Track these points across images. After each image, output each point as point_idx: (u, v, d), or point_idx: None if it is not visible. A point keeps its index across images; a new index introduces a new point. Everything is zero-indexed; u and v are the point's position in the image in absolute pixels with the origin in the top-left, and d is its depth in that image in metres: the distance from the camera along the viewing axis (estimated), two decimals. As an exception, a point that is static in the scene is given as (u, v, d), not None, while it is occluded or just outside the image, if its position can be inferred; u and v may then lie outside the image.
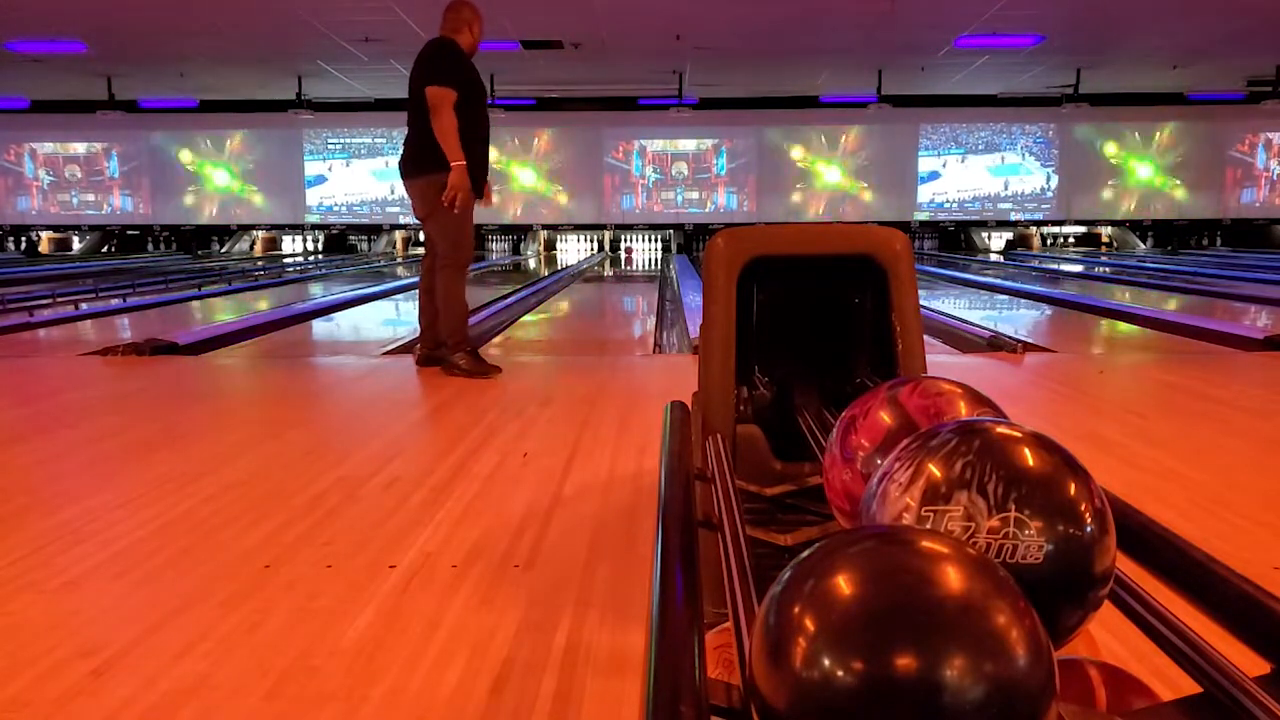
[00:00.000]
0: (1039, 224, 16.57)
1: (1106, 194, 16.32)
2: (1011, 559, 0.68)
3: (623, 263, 15.29)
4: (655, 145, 16.29)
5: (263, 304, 8.27)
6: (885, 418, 0.98)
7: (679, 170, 16.38)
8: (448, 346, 3.96)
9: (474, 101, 3.90)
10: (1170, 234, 16.44)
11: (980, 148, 16.29)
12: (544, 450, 2.70)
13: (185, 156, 16.52)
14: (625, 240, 16.78)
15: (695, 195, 16.41)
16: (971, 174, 16.36)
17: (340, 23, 9.69)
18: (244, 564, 1.82)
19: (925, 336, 1.63)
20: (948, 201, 16.42)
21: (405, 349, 5.03)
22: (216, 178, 16.62)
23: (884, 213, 16.04)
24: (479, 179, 3.95)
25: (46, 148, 16.55)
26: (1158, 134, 16.04)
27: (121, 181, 16.64)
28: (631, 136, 16.20)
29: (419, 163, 3.89)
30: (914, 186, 16.37)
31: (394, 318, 7.64)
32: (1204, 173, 16.14)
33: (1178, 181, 16.24)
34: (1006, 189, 16.38)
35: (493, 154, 4.08)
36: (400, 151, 4.07)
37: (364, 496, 2.27)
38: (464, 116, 3.80)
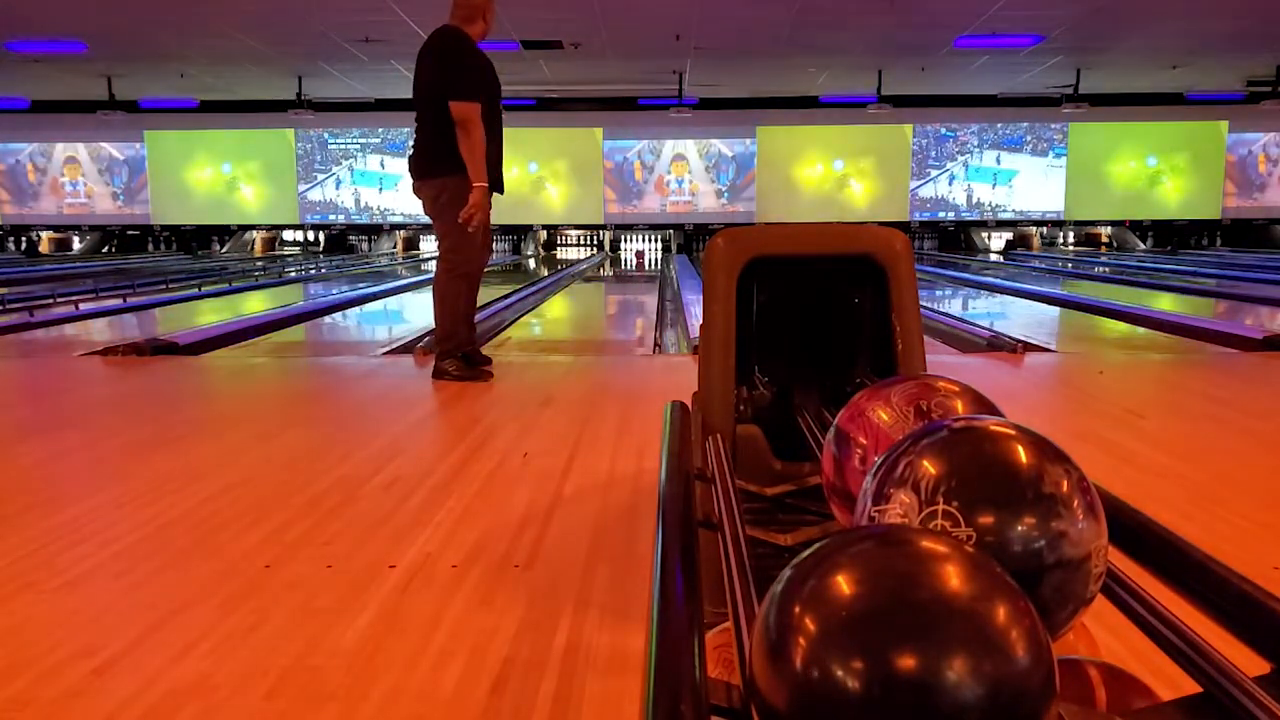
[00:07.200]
0: (1038, 224, 16.56)
1: (1106, 194, 16.31)
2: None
3: (633, 265, 15.17)
4: (656, 145, 16.28)
5: (263, 304, 8.27)
6: (883, 417, 0.98)
7: (679, 170, 16.37)
8: (437, 349, 3.85)
9: (491, 101, 3.71)
10: (1170, 234, 16.43)
11: (979, 147, 16.28)
12: (544, 450, 2.70)
13: (186, 156, 16.50)
14: (626, 242, 16.75)
15: (695, 195, 16.40)
16: (970, 174, 16.36)
17: (340, 23, 9.68)
18: (244, 564, 1.82)
19: (925, 336, 1.63)
20: (946, 202, 16.42)
21: (405, 349, 5.02)
22: (216, 177, 16.61)
23: (883, 213, 16.04)
24: (496, 176, 3.77)
25: (46, 148, 16.54)
26: (1157, 134, 16.03)
27: (122, 181, 16.63)
28: (632, 136, 16.19)
29: (431, 165, 3.69)
30: (914, 186, 16.37)
31: (394, 318, 7.63)
32: (1204, 173, 16.14)
33: (1178, 182, 16.24)
34: (1005, 189, 16.38)
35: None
36: (410, 149, 3.85)
37: (364, 496, 2.27)
38: (483, 119, 3.62)
